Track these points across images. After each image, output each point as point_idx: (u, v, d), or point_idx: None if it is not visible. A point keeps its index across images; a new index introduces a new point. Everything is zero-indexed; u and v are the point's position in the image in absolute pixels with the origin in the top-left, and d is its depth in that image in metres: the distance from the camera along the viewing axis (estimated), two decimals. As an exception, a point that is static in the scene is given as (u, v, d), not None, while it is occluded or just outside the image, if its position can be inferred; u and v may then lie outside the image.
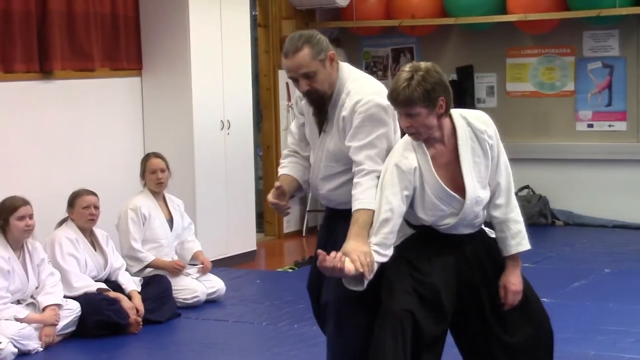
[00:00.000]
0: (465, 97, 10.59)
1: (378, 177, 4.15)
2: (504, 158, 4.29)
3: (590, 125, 10.72)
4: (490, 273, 4.26)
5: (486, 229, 4.36)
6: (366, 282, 3.97)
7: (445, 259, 4.19)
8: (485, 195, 4.19)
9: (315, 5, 10.98)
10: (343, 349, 4.31)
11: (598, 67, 10.61)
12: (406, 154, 4.11)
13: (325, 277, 4.16)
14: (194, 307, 7.37)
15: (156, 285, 7.18)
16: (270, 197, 4.41)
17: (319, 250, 3.91)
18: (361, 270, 3.90)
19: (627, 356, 5.73)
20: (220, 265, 8.46)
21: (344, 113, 4.30)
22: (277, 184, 4.44)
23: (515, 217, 4.28)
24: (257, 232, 9.94)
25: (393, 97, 4.06)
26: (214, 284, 7.63)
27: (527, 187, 10.81)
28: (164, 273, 7.38)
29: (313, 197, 11.10)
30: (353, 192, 4.18)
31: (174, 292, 7.28)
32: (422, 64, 4.09)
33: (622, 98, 10.54)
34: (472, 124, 4.18)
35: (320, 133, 4.46)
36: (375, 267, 4.00)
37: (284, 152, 4.70)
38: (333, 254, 3.89)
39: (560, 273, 8.17)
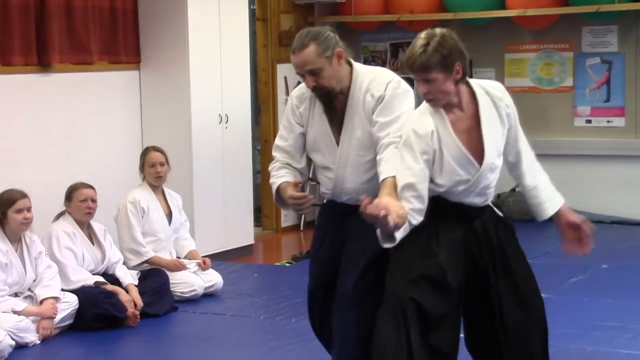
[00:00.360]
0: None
1: None
2: (520, 127, 4.33)
3: (589, 121, 10.73)
4: (497, 249, 4.26)
5: (495, 207, 4.38)
6: (398, 239, 3.96)
7: (454, 235, 4.20)
8: (499, 162, 4.25)
9: (314, 0, 10.98)
10: (366, 336, 4.30)
11: (597, 63, 10.61)
12: (423, 118, 4.15)
13: (341, 271, 4.28)
14: (192, 300, 7.37)
15: (153, 278, 7.18)
16: (292, 192, 4.40)
17: (362, 196, 3.85)
18: (397, 220, 3.88)
19: (625, 352, 5.73)
20: (217, 259, 8.45)
21: (371, 96, 4.36)
22: (291, 180, 4.45)
23: (543, 180, 4.46)
24: (254, 226, 9.93)
25: (409, 64, 4.10)
26: (212, 278, 7.63)
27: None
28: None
29: (311, 191, 11.11)
30: (378, 169, 4.23)
31: (171, 285, 7.28)
32: (438, 30, 4.15)
33: (620, 94, 10.53)
34: (490, 92, 4.23)
35: (335, 130, 4.46)
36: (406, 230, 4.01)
37: (274, 165, 4.63)
38: (376, 200, 3.87)
39: (558, 268, 8.16)
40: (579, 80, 10.71)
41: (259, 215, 10.77)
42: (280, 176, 4.54)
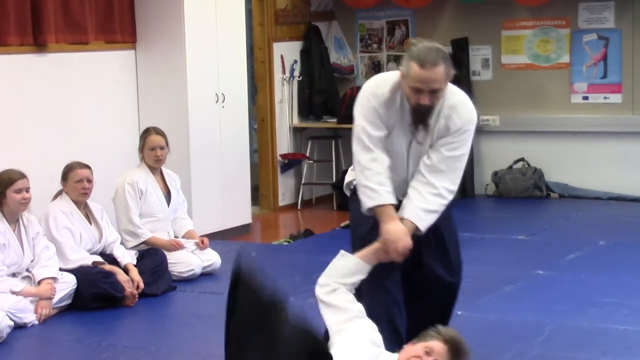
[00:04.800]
0: (460, 70, 10.56)
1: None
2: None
3: (586, 98, 10.71)
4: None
5: None
6: None
7: None
8: None
9: (310, -22, 10.96)
10: None
11: (593, 39, 10.59)
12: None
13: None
14: (190, 280, 7.38)
15: (151, 258, 7.18)
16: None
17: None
18: None
19: (621, 328, 5.74)
20: (215, 239, 8.46)
21: (450, 123, 4.43)
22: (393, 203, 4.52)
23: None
24: (252, 205, 9.94)
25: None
26: (210, 257, 7.63)
27: (522, 159, 10.81)
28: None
29: (308, 170, 11.12)
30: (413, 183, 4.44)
31: (169, 265, 7.29)
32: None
33: (617, 70, 10.52)
34: None
35: (411, 141, 4.51)
36: None
37: (375, 171, 4.49)
38: None
39: (555, 245, 8.18)
40: (575, 56, 10.69)
41: (257, 194, 10.77)
42: (388, 192, 4.48)
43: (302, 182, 11.11)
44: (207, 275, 7.53)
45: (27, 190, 6.43)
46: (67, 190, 6.92)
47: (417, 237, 4.43)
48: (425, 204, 4.33)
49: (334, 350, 4.02)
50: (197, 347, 5.63)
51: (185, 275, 7.39)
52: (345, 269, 4.40)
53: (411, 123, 4.43)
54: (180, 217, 7.76)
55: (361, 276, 4.39)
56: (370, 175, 4.47)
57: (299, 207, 11.04)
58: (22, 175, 6.43)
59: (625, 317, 5.97)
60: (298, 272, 7.59)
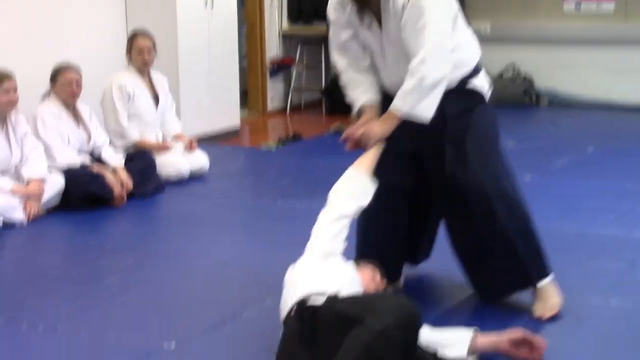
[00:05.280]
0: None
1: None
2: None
3: (578, 6, 10.65)
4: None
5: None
6: None
7: None
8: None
9: None
10: None
11: (587, -54, 10.50)
12: None
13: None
14: (178, 182, 7.39)
15: (139, 160, 7.18)
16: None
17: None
18: None
19: (608, 233, 5.78)
20: (204, 142, 8.45)
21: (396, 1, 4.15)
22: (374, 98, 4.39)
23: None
24: (241, 109, 9.91)
25: None
26: (198, 160, 7.63)
27: (512, 67, 10.78)
28: (148, 148, 7.39)
29: (297, 75, 11.07)
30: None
31: (157, 167, 7.29)
32: None
33: (610, -23, 10.46)
34: None
35: (380, 36, 4.30)
36: None
37: (344, 76, 4.44)
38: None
39: (543, 151, 8.21)
40: (568, -37, 10.61)
41: (246, 99, 10.74)
42: (360, 92, 4.39)
43: (291, 87, 11.07)
44: (195, 178, 7.54)
45: (15, 90, 6.39)
46: (55, 91, 6.88)
47: (425, 134, 4.27)
48: (403, 87, 4.13)
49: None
50: (184, 247, 5.66)
51: (173, 177, 7.40)
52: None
53: (358, 11, 4.29)
54: (168, 120, 7.74)
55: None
56: (346, 81, 4.45)
57: (287, 112, 11.02)
58: (10, 76, 6.39)
59: (612, 221, 6.00)
60: (286, 176, 7.61)
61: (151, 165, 7.21)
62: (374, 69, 4.43)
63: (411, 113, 4.12)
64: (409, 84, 4.08)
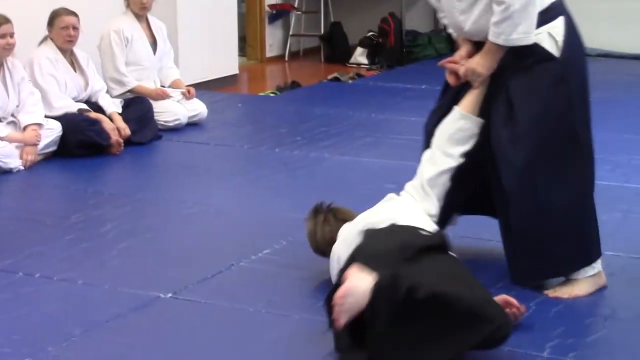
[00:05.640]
0: None
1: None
2: None
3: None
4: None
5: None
6: None
7: None
8: None
9: None
10: None
11: None
12: None
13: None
14: (176, 129, 7.38)
15: (137, 107, 7.16)
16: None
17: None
18: None
19: (604, 183, 5.76)
20: (201, 89, 8.43)
21: None
22: None
23: None
24: (239, 55, 9.88)
25: None
26: (196, 107, 7.62)
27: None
28: (146, 95, 7.38)
29: (296, 21, 11.02)
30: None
31: (155, 114, 7.27)
32: None
33: None
34: None
35: None
36: None
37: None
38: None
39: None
40: None
41: (244, 45, 10.70)
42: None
43: (290, 33, 11.02)
44: (193, 125, 7.53)
45: (12, 35, 6.35)
46: (52, 36, 6.85)
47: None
48: (493, 18, 3.94)
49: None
50: (182, 194, 5.67)
51: (171, 124, 7.39)
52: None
53: None
54: (166, 66, 7.72)
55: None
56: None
57: (286, 59, 10.99)
58: (6, 20, 6.34)
59: (608, 172, 5.99)
60: (284, 124, 7.60)
61: (149, 112, 7.19)
62: None
63: (509, 40, 3.99)
64: (497, 13, 3.95)
